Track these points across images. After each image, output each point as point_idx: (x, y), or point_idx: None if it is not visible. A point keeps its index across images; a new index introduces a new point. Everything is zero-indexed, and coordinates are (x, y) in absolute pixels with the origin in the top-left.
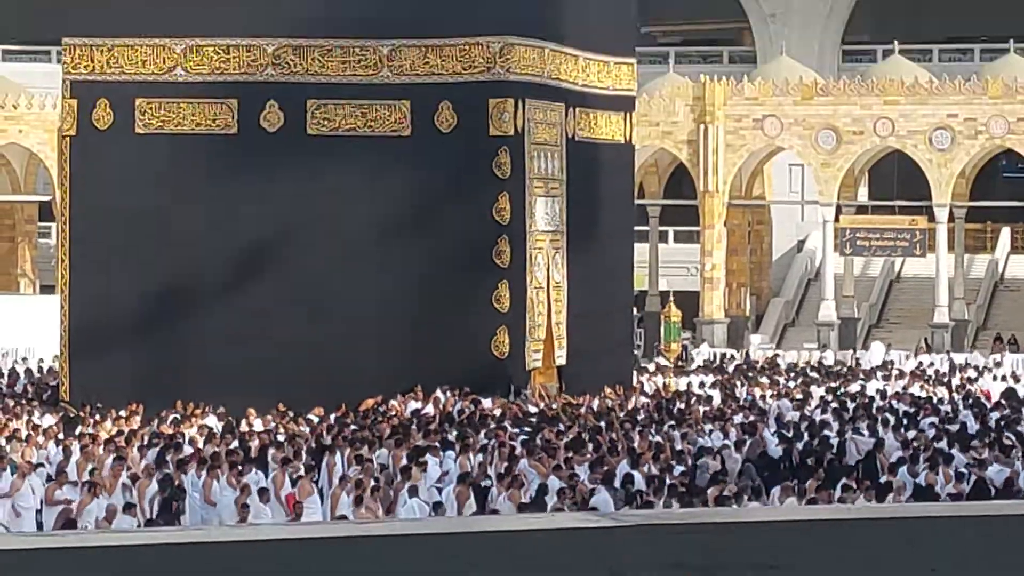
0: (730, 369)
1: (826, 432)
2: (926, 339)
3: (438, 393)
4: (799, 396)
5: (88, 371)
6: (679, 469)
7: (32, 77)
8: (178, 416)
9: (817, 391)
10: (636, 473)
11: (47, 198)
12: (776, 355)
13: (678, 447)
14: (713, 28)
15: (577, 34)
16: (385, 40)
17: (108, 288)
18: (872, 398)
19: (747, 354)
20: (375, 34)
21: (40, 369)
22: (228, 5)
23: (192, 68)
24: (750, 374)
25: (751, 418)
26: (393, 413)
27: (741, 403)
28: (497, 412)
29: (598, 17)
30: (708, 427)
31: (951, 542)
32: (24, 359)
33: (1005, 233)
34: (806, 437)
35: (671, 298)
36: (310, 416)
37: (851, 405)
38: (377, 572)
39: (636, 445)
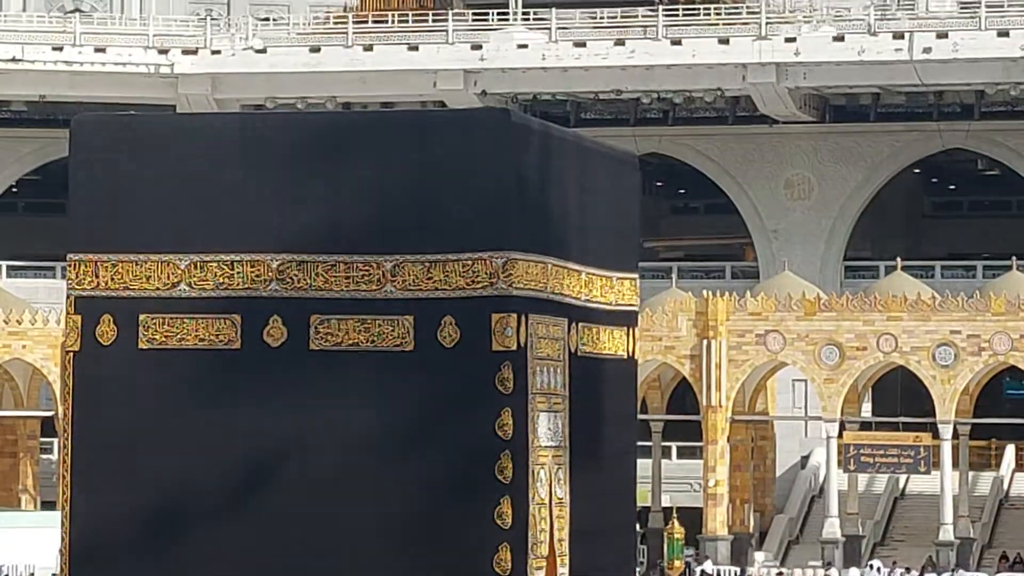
0: None
1: None
2: (931, 557)
3: None
4: None
5: None
6: None
7: (36, 292)
8: None
9: None
10: None
11: (50, 413)
12: (780, 573)
13: None
14: (715, 244)
15: (580, 249)
16: (388, 255)
17: (109, 504)
18: None
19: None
20: (378, 249)
21: None
22: (232, 221)
23: (196, 284)
24: None
25: None
26: None
27: None
28: None
29: (601, 232)
30: None
31: None
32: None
33: (1009, 450)
34: None
35: (674, 514)
36: None
37: None
38: None
39: None
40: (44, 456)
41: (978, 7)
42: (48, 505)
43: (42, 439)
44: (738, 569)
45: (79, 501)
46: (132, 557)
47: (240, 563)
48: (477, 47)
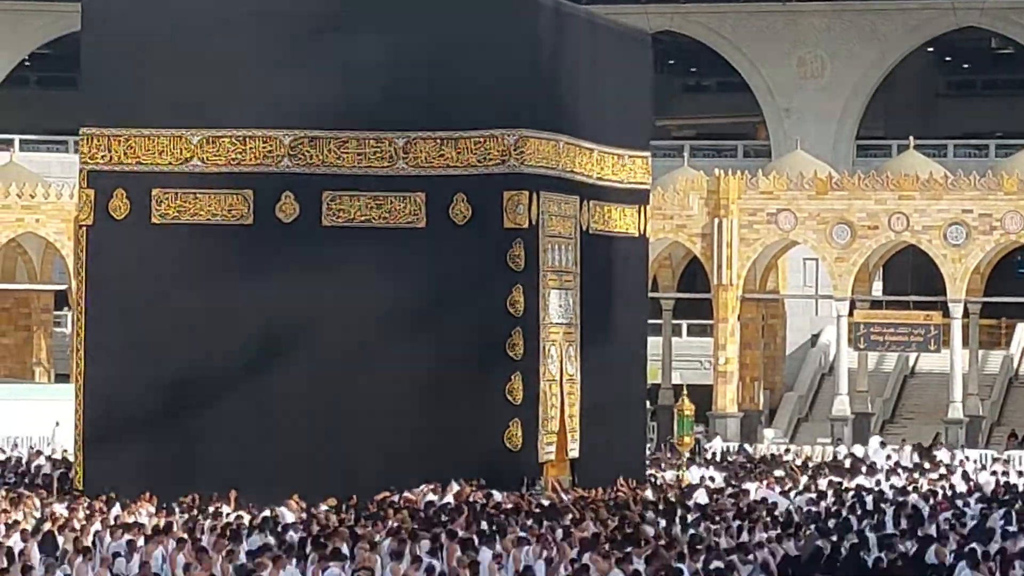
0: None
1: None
2: (939, 434)
3: (452, 484)
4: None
5: (102, 461)
6: (717, 564)
7: (49, 167)
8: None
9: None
10: (683, 567)
11: (63, 287)
12: (788, 450)
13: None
14: (728, 122)
15: (592, 127)
16: (400, 132)
17: (123, 378)
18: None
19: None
20: (390, 126)
21: (53, 459)
22: (245, 97)
23: (209, 159)
24: (763, 468)
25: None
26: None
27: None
28: (509, 505)
29: (613, 110)
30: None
31: None
32: (39, 451)
33: (1020, 329)
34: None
35: (684, 391)
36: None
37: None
38: None
39: (679, 539)
40: (57, 329)
41: None
42: (62, 378)
43: (55, 313)
44: (746, 444)
45: (93, 374)
46: (147, 428)
47: (254, 433)
48: None
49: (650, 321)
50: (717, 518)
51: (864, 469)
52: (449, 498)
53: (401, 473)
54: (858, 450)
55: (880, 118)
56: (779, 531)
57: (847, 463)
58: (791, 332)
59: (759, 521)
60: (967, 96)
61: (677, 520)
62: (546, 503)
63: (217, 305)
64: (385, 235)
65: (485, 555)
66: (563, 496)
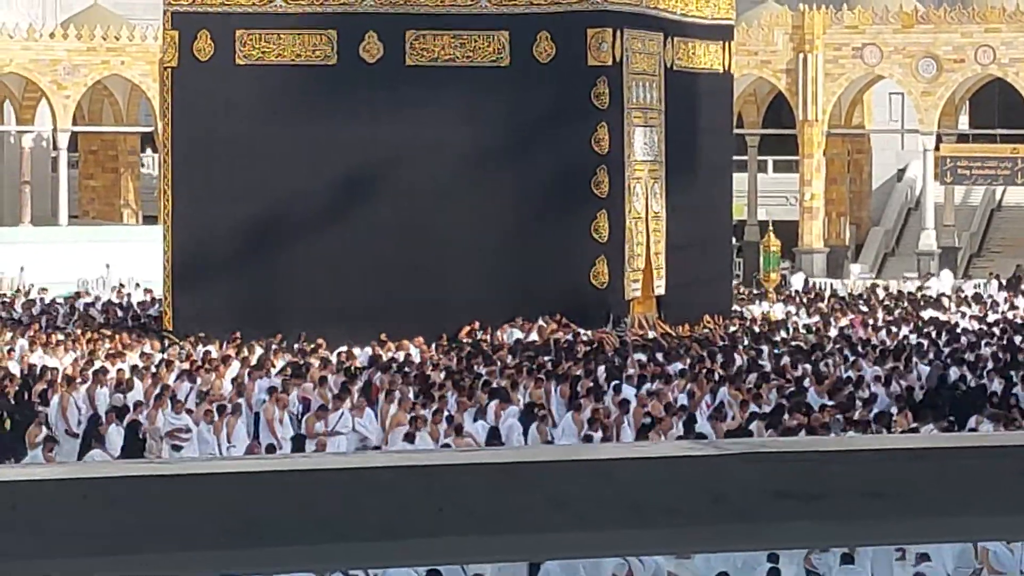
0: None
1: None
2: (1019, 265)
3: (540, 322)
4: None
5: (190, 301)
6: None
7: (133, 8)
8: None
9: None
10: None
11: (149, 129)
12: (875, 284)
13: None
14: None
15: None
16: None
17: (209, 218)
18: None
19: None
20: None
21: (143, 299)
22: None
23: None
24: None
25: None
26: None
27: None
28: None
29: None
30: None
31: None
32: (122, 286)
33: None
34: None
35: (770, 228)
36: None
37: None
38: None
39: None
40: (144, 171)
41: None
42: (150, 220)
43: (142, 155)
44: (833, 280)
45: (180, 214)
46: (233, 266)
47: (339, 273)
48: None
49: (735, 157)
50: (822, 352)
51: (951, 304)
52: (534, 335)
53: (487, 312)
54: (937, 283)
55: None
56: (892, 363)
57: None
58: (877, 167)
59: (864, 355)
60: None
61: (766, 355)
62: (629, 340)
63: (302, 145)
64: (469, 74)
65: (629, 392)
66: (649, 332)
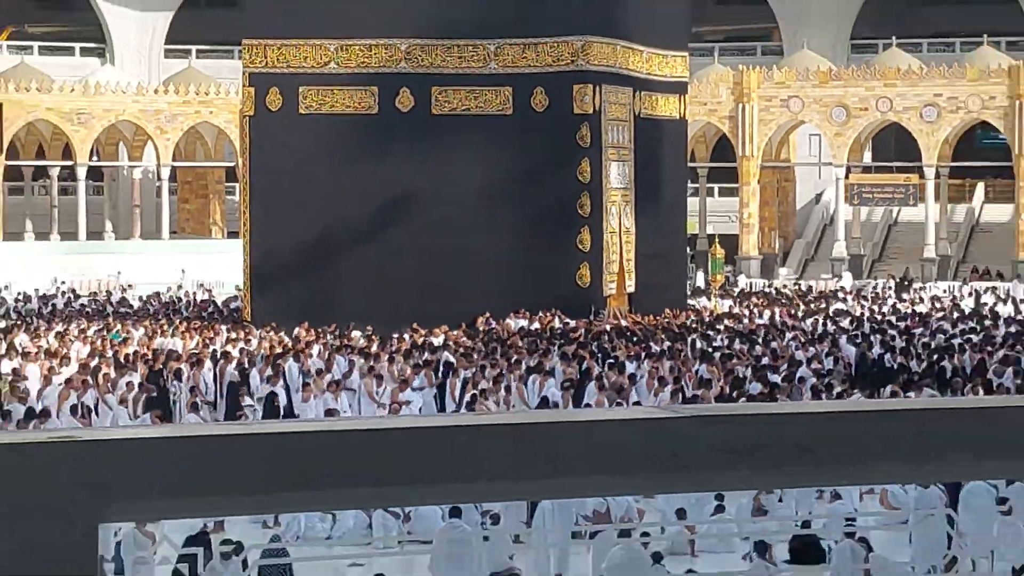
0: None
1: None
2: (908, 268)
3: (540, 314)
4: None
5: (264, 299)
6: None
7: (219, 70)
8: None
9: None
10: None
11: (231, 164)
12: (798, 283)
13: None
14: (750, 28)
15: (642, 33)
16: (492, 40)
17: (278, 234)
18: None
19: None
20: (484, 35)
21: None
22: (371, 12)
23: (342, 63)
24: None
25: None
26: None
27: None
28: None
29: (658, 19)
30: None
31: (961, 431)
32: (208, 288)
33: (980, 187)
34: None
35: (716, 239)
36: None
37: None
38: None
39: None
40: (228, 197)
41: None
42: (232, 235)
43: (227, 184)
44: (764, 281)
45: (256, 232)
46: (297, 274)
47: (379, 278)
48: None
49: (689, 185)
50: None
51: (850, 298)
52: (535, 324)
53: (495, 306)
54: (842, 282)
55: (869, 23)
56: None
57: (840, 294)
58: (800, 192)
59: (795, 338)
60: (937, 4)
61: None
62: (608, 327)
63: (350, 177)
64: (481, 121)
65: (631, 367)
66: (622, 322)
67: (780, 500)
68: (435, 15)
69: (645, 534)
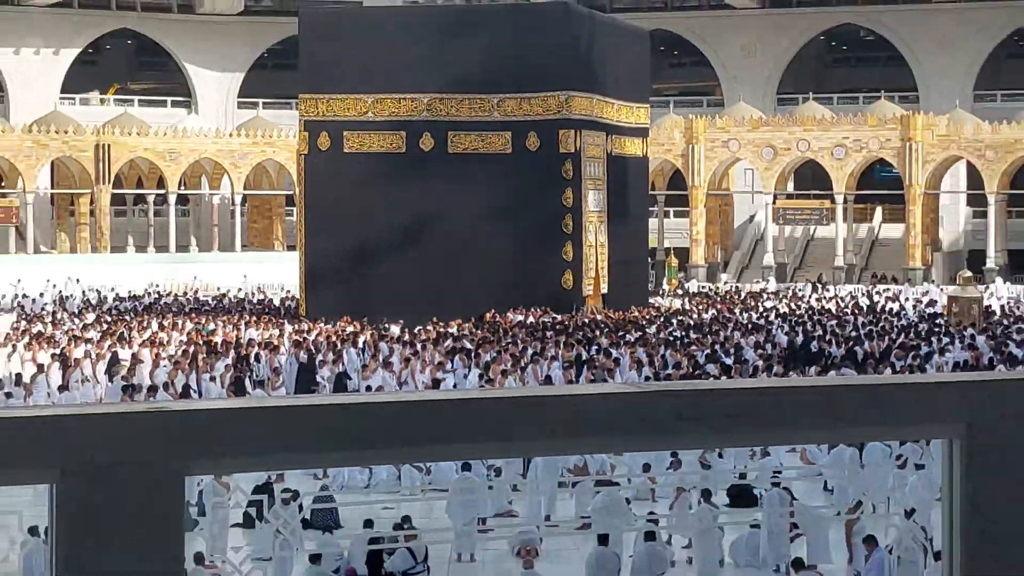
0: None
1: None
2: (821, 274)
3: (534, 309)
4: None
5: (316, 298)
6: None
7: (280, 118)
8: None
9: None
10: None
11: (290, 192)
12: (737, 286)
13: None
14: (697, 85)
15: (613, 89)
16: (495, 94)
17: (327, 247)
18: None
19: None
20: (490, 90)
21: (287, 297)
22: (400, 72)
23: (377, 112)
24: (722, 298)
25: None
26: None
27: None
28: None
29: (626, 78)
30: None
31: (861, 401)
32: (262, 291)
33: (879, 210)
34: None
35: (672, 252)
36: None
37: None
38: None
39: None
40: (288, 218)
41: None
42: (291, 248)
43: (286, 207)
44: (709, 284)
45: (309, 245)
46: (342, 278)
47: (407, 281)
48: None
49: (650, 208)
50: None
51: (778, 298)
52: (530, 318)
53: (498, 304)
54: (768, 285)
55: (791, 82)
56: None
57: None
58: (737, 214)
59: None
60: (845, 66)
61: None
62: (587, 320)
63: (383, 202)
64: (486, 158)
65: (624, 358)
66: (598, 316)
67: (721, 456)
68: (451, 74)
69: (615, 483)
